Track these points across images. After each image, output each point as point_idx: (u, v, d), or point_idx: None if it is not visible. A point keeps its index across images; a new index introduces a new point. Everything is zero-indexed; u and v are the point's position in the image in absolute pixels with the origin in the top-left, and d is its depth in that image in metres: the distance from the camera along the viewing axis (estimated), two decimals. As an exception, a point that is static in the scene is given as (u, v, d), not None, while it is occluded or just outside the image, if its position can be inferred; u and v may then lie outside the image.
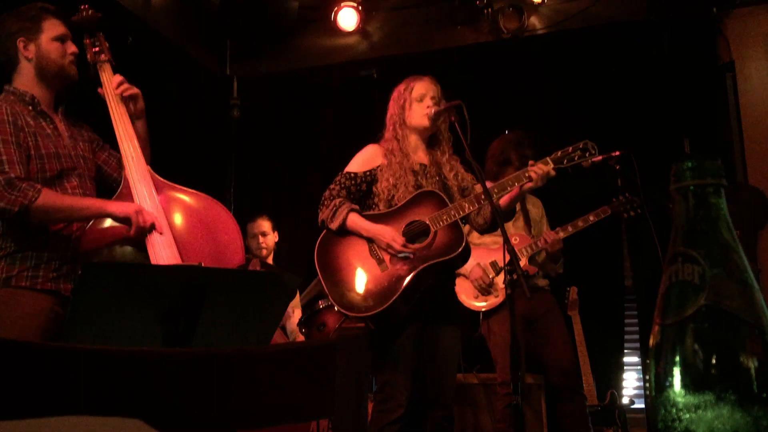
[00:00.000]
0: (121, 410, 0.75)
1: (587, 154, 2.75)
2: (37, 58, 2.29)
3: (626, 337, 4.81)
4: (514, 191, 2.69)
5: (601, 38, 4.96)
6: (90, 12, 2.47)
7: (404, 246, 2.58)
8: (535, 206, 3.83)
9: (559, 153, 2.75)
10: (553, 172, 2.67)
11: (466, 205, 2.65)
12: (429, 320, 2.68)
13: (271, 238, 4.46)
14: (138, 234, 2.14)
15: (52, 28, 2.31)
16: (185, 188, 2.34)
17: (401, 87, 2.87)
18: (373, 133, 2.98)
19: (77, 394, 0.77)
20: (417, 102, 2.80)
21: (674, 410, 0.61)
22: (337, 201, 2.67)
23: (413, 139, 2.83)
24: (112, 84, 2.38)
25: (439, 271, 2.61)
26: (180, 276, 1.52)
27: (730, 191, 0.69)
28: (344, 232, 2.66)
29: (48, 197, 2.12)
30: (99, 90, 2.41)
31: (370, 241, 2.65)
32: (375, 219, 2.67)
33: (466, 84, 5.00)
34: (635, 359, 4.88)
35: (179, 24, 4.89)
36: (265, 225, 4.46)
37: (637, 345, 4.80)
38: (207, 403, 0.82)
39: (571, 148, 2.76)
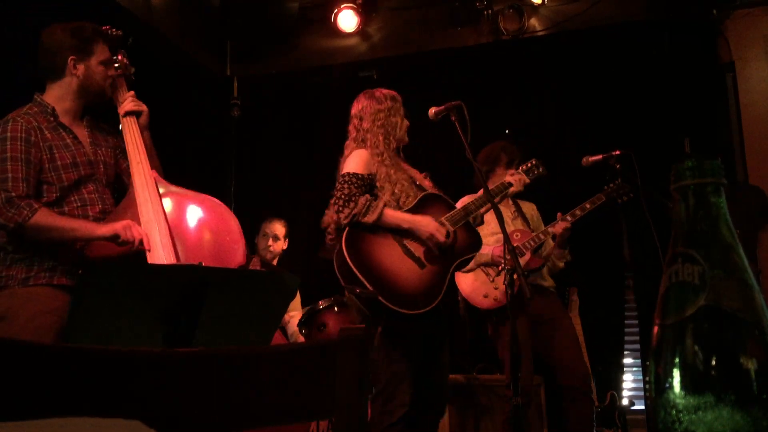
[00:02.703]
0: (121, 410, 0.75)
1: (540, 169, 3.25)
2: (84, 77, 2.46)
3: (626, 338, 4.80)
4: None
5: (601, 39, 4.96)
6: (113, 31, 2.62)
7: (446, 242, 2.70)
8: (530, 208, 3.86)
9: (527, 165, 3.25)
10: (527, 180, 3.14)
11: (472, 206, 2.86)
12: (426, 326, 2.73)
13: (281, 244, 4.46)
14: (126, 247, 2.22)
15: (101, 52, 2.50)
16: (190, 191, 2.42)
17: (391, 101, 2.92)
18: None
19: (77, 394, 0.77)
20: (402, 119, 2.92)
21: (674, 411, 0.61)
22: (367, 197, 2.68)
23: (393, 150, 2.92)
24: (124, 97, 2.56)
25: (462, 267, 2.82)
26: (180, 276, 1.52)
27: (730, 191, 0.69)
28: (371, 230, 2.67)
29: (41, 217, 2.23)
30: (113, 96, 2.59)
31: (400, 239, 2.70)
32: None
33: (466, 84, 5.00)
34: (635, 360, 4.87)
35: (180, 24, 4.90)
36: (279, 229, 4.46)
37: (637, 346, 4.79)
38: (207, 404, 0.82)
39: (530, 164, 3.25)
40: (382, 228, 2.68)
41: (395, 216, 2.67)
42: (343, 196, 2.67)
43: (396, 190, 2.77)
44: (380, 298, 2.56)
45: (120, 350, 0.81)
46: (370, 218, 2.63)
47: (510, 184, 3.05)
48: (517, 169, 3.22)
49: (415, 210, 2.74)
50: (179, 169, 2.64)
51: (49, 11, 3.29)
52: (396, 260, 2.66)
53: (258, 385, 0.83)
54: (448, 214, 2.77)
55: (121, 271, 1.63)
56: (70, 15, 2.53)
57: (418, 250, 2.70)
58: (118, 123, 2.57)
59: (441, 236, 2.66)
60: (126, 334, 1.53)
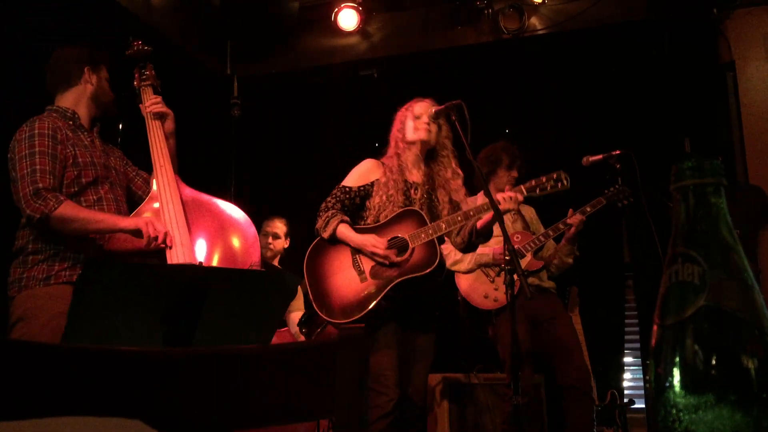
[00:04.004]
0: (121, 410, 0.75)
1: (559, 185, 2.89)
2: (98, 87, 2.65)
3: (626, 337, 4.80)
4: (488, 216, 2.86)
5: (601, 38, 4.96)
6: (142, 47, 2.79)
7: (386, 251, 2.77)
8: (529, 212, 3.86)
9: (533, 182, 2.92)
10: (521, 198, 2.86)
11: (443, 225, 2.83)
12: (407, 325, 2.86)
13: (281, 243, 4.46)
14: (149, 244, 2.29)
15: (105, 71, 2.70)
16: (209, 196, 2.52)
17: (404, 107, 3.04)
18: (373, 133, 3.00)
19: (77, 394, 0.77)
20: (415, 119, 2.97)
21: (674, 411, 0.61)
22: (330, 213, 2.87)
23: (412, 156, 2.97)
24: (150, 101, 2.69)
25: (415, 285, 2.80)
26: (180, 276, 1.52)
27: (730, 191, 0.69)
28: (333, 242, 2.87)
29: (66, 209, 2.31)
30: (140, 106, 2.70)
31: (354, 252, 2.85)
32: (361, 232, 2.88)
33: (466, 84, 5.00)
34: (635, 359, 4.87)
35: (179, 24, 4.89)
36: (279, 227, 4.46)
37: (637, 345, 4.79)
38: (207, 403, 0.82)
39: (544, 178, 2.92)
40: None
41: (345, 235, 2.84)
42: (321, 210, 2.91)
43: (384, 198, 2.88)
44: (313, 304, 2.81)
45: (120, 350, 0.81)
46: (325, 235, 2.85)
47: (498, 202, 2.80)
48: (538, 176, 2.96)
49: (390, 222, 2.86)
50: (179, 169, 2.67)
51: (49, 11, 3.30)
52: (341, 271, 2.84)
53: (258, 385, 0.83)
54: (413, 232, 2.82)
55: (122, 270, 1.63)
56: (70, 15, 2.55)
57: (367, 264, 2.83)
58: (118, 138, 2.67)
59: (380, 251, 2.76)
60: (126, 334, 1.53)
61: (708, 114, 4.70)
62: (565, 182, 2.89)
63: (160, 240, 2.27)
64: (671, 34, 4.69)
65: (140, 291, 1.48)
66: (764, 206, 4.26)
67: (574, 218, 3.51)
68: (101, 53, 2.70)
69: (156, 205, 2.43)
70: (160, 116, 2.65)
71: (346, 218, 2.88)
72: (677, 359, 0.62)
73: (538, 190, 2.89)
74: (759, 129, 4.57)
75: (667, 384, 0.62)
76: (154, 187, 2.47)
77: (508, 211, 2.84)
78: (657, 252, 2.99)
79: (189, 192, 2.48)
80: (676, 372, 0.62)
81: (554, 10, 4.97)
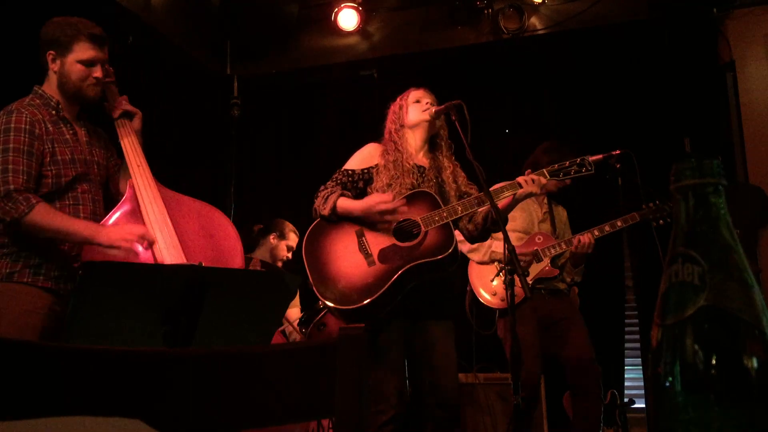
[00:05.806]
0: (121, 410, 0.76)
1: (583, 170, 2.83)
2: (60, 75, 2.42)
3: (626, 337, 4.81)
4: (508, 199, 2.72)
5: (601, 38, 4.96)
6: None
7: (394, 203, 2.57)
8: (560, 214, 3.80)
9: (557, 166, 2.83)
10: (544, 181, 2.73)
11: (459, 209, 2.66)
12: (419, 318, 2.68)
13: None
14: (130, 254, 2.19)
15: (81, 51, 2.40)
16: (187, 196, 2.44)
17: (398, 98, 2.94)
18: (373, 133, 2.99)
19: (77, 394, 0.77)
20: (414, 104, 2.87)
21: (674, 410, 0.61)
22: (328, 190, 2.70)
23: (412, 141, 2.85)
24: (118, 102, 2.55)
25: (426, 272, 2.60)
26: (180, 276, 1.52)
27: (730, 191, 0.69)
28: (334, 223, 2.67)
29: (38, 215, 2.20)
30: (105, 104, 2.55)
31: (360, 235, 2.64)
32: None
33: (467, 84, 5.00)
34: (635, 359, 4.88)
35: (179, 24, 4.89)
36: (294, 240, 4.49)
37: (637, 345, 4.80)
38: (207, 403, 0.82)
39: (568, 162, 2.84)
40: (348, 222, 2.66)
41: (347, 205, 2.64)
42: (319, 191, 2.73)
43: (388, 180, 2.71)
44: (314, 288, 2.58)
45: (120, 350, 0.81)
46: (325, 211, 2.64)
47: (518, 185, 2.71)
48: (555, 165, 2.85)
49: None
50: (179, 169, 2.65)
51: (49, 11, 3.30)
52: (347, 254, 2.62)
53: (258, 385, 0.83)
54: (426, 214, 2.63)
55: (121, 270, 1.63)
56: (70, 15, 2.52)
57: (375, 247, 2.62)
58: (111, 127, 2.58)
59: (388, 205, 2.54)
60: (126, 334, 1.53)
61: (708, 114, 4.70)
62: (590, 167, 2.83)
63: (142, 254, 2.17)
64: (671, 33, 4.69)
65: (140, 291, 1.48)
66: (764, 206, 4.26)
67: (585, 237, 3.43)
68: (73, 32, 2.39)
69: (126, 209, 2.33)
70: (129, 115, 2.53)
71: (347, 192, 2.70)
72: (677, 359, 0.62)
73: (561, 174, 2.81)
74: (759, 129, 4.58)
75: (667, 383, 0.62)
76: (134, 188, 2.37)
77: (530, 194, 2.71)
78: (657, 252, 2.98)
79: (167, 192, 2.40)
80: (676, 371, 0.62)
81: (554, 10, 4.97)
